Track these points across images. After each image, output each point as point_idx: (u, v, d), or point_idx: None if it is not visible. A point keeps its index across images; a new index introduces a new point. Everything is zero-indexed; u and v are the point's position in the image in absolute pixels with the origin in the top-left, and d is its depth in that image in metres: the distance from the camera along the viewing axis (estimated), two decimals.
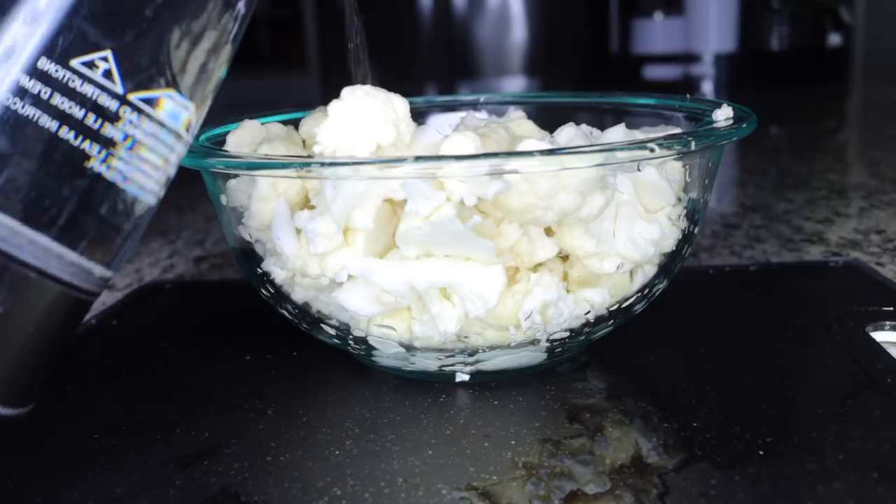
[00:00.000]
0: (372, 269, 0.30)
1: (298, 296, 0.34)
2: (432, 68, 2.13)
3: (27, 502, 0.27)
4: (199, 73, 0.27)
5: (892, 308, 0.39)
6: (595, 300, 0.32)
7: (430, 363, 0.33)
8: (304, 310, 0.34)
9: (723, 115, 0.34)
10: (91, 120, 0.25)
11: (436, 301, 0.30)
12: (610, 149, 0.27)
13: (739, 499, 0.25)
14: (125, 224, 0.27)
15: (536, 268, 0.31)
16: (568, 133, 0.33)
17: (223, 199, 0.34)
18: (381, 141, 0.29)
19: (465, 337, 0.31)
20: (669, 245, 0.33)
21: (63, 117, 0.24)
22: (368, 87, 0.30)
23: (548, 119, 0.41)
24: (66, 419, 0.33)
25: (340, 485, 0.27)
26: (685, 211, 0.33)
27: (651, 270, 0.34)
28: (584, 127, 0.36)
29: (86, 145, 0.25)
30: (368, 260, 0.30)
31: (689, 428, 0.29)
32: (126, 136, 0.25)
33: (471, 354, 0.32)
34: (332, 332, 0.33)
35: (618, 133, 0.35)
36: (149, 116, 0.26)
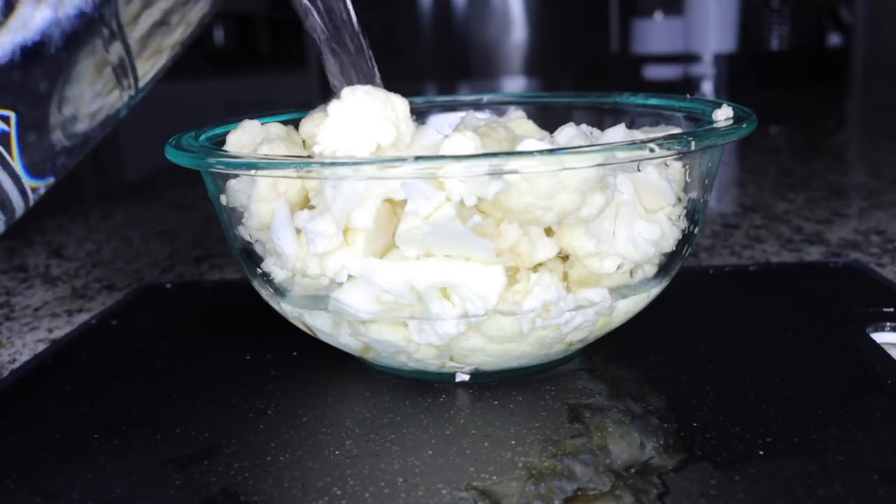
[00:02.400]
0: (372, 269, 0.30)
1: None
2: (432, 68, 2.13)
3: (27, 502, 0.27)
4: (153, 26, 0.27)
5: (892, 309, 0.39)
6: (595, 300, 0.32)
7: (430, 363, 0.33)
8: None
9: (723, 115, 0.34)
10: None
11: (436, 301, 0.30)
12: (610, 149, 0.27)
13: (739, 499, 0.25)
14: None
15: (536, 268, 0.31)
16: (568, 133, 0.33)
17: (223, 199, 0.34)
18: (381, 141, 0.29)
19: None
20: (669, 245, 0.33)
21: None
22: (368, 88, 0.30)
23: (548, 119, 0.41)
24: (66, 419, 0.33)
25: (340, 485, 0.27)
26: (685, 211, 0.33)
27: (651, 270, 0.34)
28: (584, 127, 0.36)
29: None
30: (368, 260, 0.30)
31: (689, 428, 0.29)
32: None
33: None
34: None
35: (618, 133, 0.35)
36: None
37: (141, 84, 0.29)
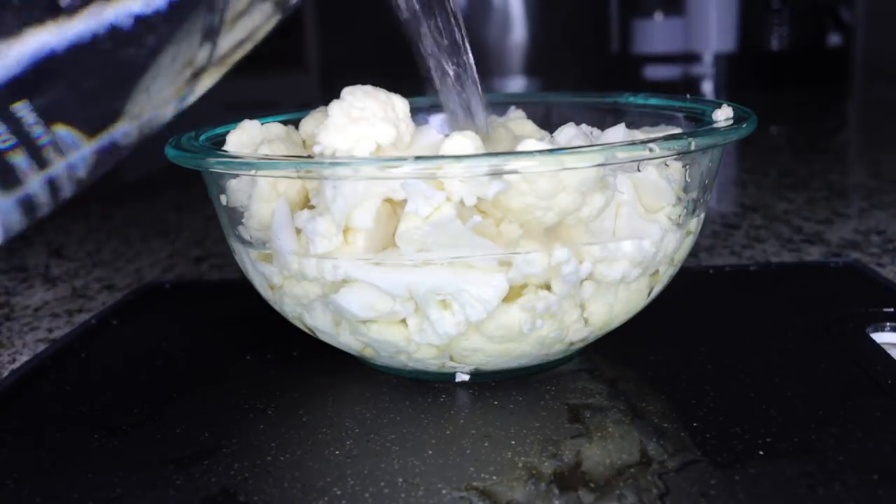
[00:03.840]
0: (372, 270, 0.30)
1: None
2: None
3: (27, 502, 0.27)
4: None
5: (892, 309, 0.39)
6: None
7: (430, 363, 0.33)
8: None
9: (723, 115, 0.34)
10: None
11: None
12: (610, 149, 0.27)
13: (739, 499, 0.25)
14: None
15: None
16: (568, 133, 0.33)
17: (223, 199, 0.34)
18: (381, 141, 0.29)
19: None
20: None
21: None
22: (368, 87, 0.30)
23: (548, 119, 0.41)
24: (66, 419, 0.33)
25: (340, 485, 0.27)
26: (685, 211, 0.33)
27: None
28: (584, 127, 0.36)
29: None
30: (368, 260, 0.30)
31: (689, 428, 0.29)
32: None
33: None
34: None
35: (618, 133, 0.35)
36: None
37: (189, 101, 0.26)
